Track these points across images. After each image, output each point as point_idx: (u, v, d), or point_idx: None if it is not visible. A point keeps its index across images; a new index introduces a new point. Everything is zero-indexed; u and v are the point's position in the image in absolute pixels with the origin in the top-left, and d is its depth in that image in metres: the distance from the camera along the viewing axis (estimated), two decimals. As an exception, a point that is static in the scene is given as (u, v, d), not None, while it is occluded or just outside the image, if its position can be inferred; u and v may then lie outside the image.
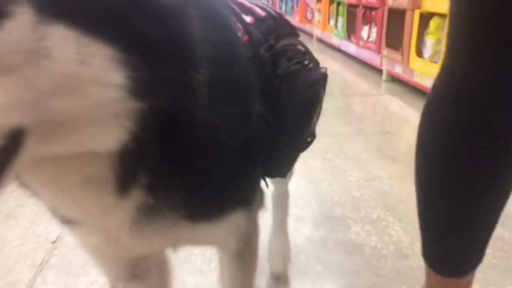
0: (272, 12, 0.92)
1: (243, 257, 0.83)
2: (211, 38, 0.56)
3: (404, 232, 1.56)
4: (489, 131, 0.76)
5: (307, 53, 0.91)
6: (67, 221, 0.64)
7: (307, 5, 6.83)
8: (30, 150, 0.43)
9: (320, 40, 6.15)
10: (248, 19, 0.83)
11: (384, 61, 3.86)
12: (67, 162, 0.49)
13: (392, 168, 2.11)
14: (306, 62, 0.87)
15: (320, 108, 0.96)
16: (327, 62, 5.00)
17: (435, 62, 2.99)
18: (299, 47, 0.90)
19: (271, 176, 0.93)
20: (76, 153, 0.48)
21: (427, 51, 3.12)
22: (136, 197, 0.55)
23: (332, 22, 5.48)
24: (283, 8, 8.56)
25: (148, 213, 0.58)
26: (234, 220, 0.72)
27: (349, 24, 4.80)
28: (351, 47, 4.76)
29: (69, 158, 0.48)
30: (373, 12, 4.08)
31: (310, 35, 6.55)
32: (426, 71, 3.09)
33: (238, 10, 0.83)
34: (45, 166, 0.49)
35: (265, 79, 0.77)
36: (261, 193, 0.85)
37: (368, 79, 4.03)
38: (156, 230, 0.61)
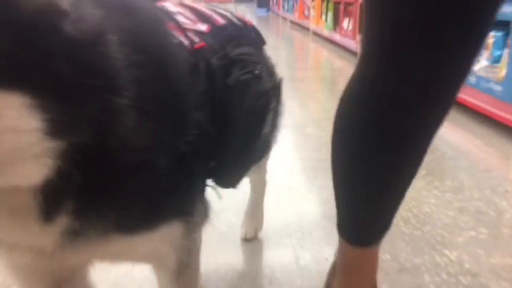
0: (234, 20, 0.93)
1: (182, 276, 0.80)
2: (135, 60, 0.55)
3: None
4: (395, 125, 0.82)
5: (260, 62, 0.92)
6: None
7: (304, 3, 7.76)
8: None
9: (315, 33, 7.07)
10: (204, 27, 0.83)
11: (359, 45, 4.79)
12: None
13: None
14: (257, 71, 0.88)
15: (274, 117, 1.00)
16: (319, 50, 5.99)
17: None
18: (253, 56, 0.90)
19: (223, 186, 0.92)
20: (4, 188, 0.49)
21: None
22: (61, 222, 0.56)
23: (323, 17, 6.42)
24: (286, 6, 9.50)
25: (75, 235, 0.58)
26: (170, 232, 0.71)
27: (335, 18, 5.74)
28: (337, 37, 5.69)
29: None
30: (350, 7, 5.01)
31: (307, 29, 7.48)
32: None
33: (193, 18, 0.83)
34: None
35: (214, 88, 0.77)
36: (204, 205, 0.81)
37: (346, 60, 4.96)
38: (84, 248, 0.62)
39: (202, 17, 0.85)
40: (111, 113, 0.52)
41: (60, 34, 0.45)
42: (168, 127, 0.62)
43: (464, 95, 2.62)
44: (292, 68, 4.74)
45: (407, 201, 1.61)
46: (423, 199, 1.70)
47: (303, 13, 7.85)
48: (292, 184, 1.85)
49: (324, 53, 5.72)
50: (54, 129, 0.45)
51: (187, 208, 0.74)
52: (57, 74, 0.45)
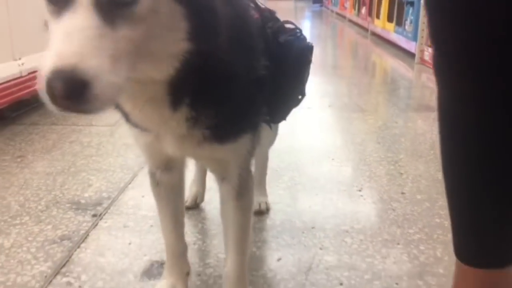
0: (266, 9, 1.20)
1: (242, 197, 1.05)
2: (235, 22, 0.85)
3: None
4: None
5: (299, 30, 1.21)
6: (136, 126, 0.91)
7: (343, -2, 10.27)
8: (128, 73, 0.65)
9: (349, 20, 9.53)
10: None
11: (370, 25, 7.27)
12: (138, 87, 0.75)
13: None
14: (299, 34, 1.18)
15: (309, 69, 1.26)
16: (346, 30, 8.52)
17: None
18: (293, 26, 1.20)
19: (273, 120, 1.24)
20: (143, 79, 0.73)
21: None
22: (183, 111, 0.82)
23: (354, 8, 8.89)
24: (333, 1, 11.96)
25: (191, 125, 0.85)
26: (245, 140, 0.98)
27: (359, 7, 8.22)
28: (358, 20, 8.18)
29: (140, 84, 0.74)
30: (365, -1, 7.53)
31: (344, 17, 9.96)
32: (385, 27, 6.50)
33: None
34: (128, 90, 0.70)
35: (269, 45, 1.03)
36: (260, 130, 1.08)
37: (360, 34, 7.42)
38: (190, 139, 0.90)
39: (252, 2, 1.13)
40: (218, 37, 0.77)
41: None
42: (252, 55, 0.92)
43: None
44: (334, 40, 7.31)
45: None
46: None
47: (343, 5, 10.30)
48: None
49: (352, 32, 8.23)
50: (192, 34, 0.69)
51: (257, 122, 1.03)
52: (200, 4, 0.72)
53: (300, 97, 1.27)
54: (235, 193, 1.05)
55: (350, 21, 9.35)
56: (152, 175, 1.14)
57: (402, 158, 2.32)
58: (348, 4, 9.59)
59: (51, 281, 1.32)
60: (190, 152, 1.00)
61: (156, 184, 1.14)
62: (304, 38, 1.21)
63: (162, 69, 0.73)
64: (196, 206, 1.76)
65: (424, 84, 4.22)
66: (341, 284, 1.34)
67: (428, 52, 4.63)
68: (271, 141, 1.67)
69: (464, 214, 0.92)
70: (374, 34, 7.14)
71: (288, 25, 1.18)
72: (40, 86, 0.59)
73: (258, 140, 1.05)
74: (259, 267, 1.42)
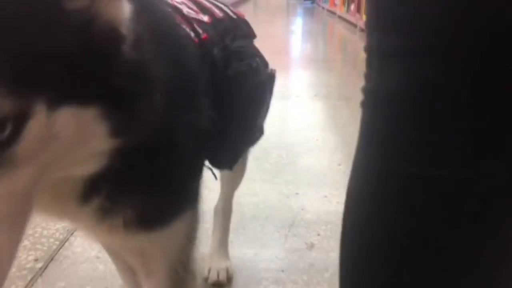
0: (230, 13, 0.97)
1: (176, 274, 0.77)
2: (159, 56, 0.59)
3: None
4: None
5: (258, 55, 0.98)
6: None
7: (334, -5, 10.54)
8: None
9: (339, 17, 9.80)
10: (205, 18, 0.86)
11: (358, 21, 7.55)
12: (47, 185, 0.53)
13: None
14: (254, 64, 0.93)
15: (267, 106, 1.04)
16: (336, 26, 8.78)
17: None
18: (250, 49, 0.96)
19: (220, 167, 1.00)
20: (58, 178, 0.54)
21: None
22: (96, 203, 0.62)
23: (344, 5, 9.15)
24: (324, -2, 12.22)
25: (104, 214, 0.64)
26: (183, 222, 0.73)
27: (348, 4, 8.48)
28: (348, 16, 8.46)
29: (50, 182, 0.53)
30: (354, -4, 7.79)
31: (334, 14, 10.23)
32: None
33: (195, 9, 0.86)
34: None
35: (216, 78, 0.81)
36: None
37: (349, 30, 7.69)
38: (110, 228, 0.66)
39: (202, 8, 0.89)
40: (155, 108, 0.57)
41: (120, 56, 0.50)
42: (194, 109, 0.69)
43: None
44: (324, 35, 7.56)
45: None
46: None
47: (333, 2, 10.57)
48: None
49: (341, 28, 8.50)
50: (115, 132, 0.52)
51: (196, 195, 0.77)
52: (117, 87, 0.50)
53: (257, 135, 1.06)
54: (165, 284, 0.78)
55: (340, 17, 9.61)
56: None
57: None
58: (338, 1, 9.86)
59: (73, 233, 1.56)
60: (105, 241, 0.86)
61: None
62: (262, 68, 0.98)
63: (84, 169, 0.57)
64: None
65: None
66: (318, 234, 1.59)
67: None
68: (236, 183, 1.35)
69: None
70: (362, 30, 7.40)
71: (244, 44, 0.95)
72: None
73: (198, 218, 0.80)
74: (249, 223, 1.67)
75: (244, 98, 0.89)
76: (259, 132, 1.06)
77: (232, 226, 1.47)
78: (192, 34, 0.79)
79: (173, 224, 0.71)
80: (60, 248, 1.51)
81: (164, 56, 0.61)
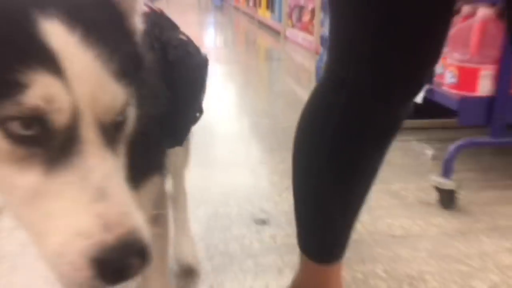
0: (153, 7, 1.01)
1: (156, 223, 0.88)
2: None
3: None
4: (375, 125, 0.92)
5: (189, 42, 1.05)
6: None
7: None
8: None
9: (242, 12, 11.91)
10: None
11: (255, 14, 9.78)
12: None
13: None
14: (190, 49, 1.02)
15: (205, 85, 1.10)
16: (240, 19, 10.98)
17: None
18: (183, 37, 1.03)
19: (170, 145, 1.04)
20: None
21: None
22: None
23: (245, 2, 11.28)
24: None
25: None
26: (154, 185, 0.88)
27: (248, 1, 10.66)
28: (248, 10, 10.64)
29: None
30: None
31: (239, 9, 12.33)
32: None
33: None
34: None
35: (159, 64, 0.87)
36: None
37: (249, 22, 9.85)
38: None
39: None
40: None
41: None
42: (153, 101, 0.75)
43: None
44: (232, 27, 9.67)
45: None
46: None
47: (238, 0, 12.71)
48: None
49: (244, 20, 10.71)
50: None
51: (163, 161, 0.95)
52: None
53: (198, 114, 1.13)
54: (151, 222, 0.82)
55: (243, 12, 11.69)
56: None
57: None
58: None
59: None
60: None
61: None
62: (196, 52, 1.07)
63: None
64: None
65: (287, 53, 6.58)
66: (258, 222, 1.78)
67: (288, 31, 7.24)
68: (187, 161, 1.49)
69: (305, 202, 1.04)
70: (259, 21, 9.63)
71: (177, 34, 1.03)
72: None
73: (165, 180, 1.00)
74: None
75: (188, 78, 1.00)
76: (199, 111, 1.13)
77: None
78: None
79: (148, 184, 0.86)
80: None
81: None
